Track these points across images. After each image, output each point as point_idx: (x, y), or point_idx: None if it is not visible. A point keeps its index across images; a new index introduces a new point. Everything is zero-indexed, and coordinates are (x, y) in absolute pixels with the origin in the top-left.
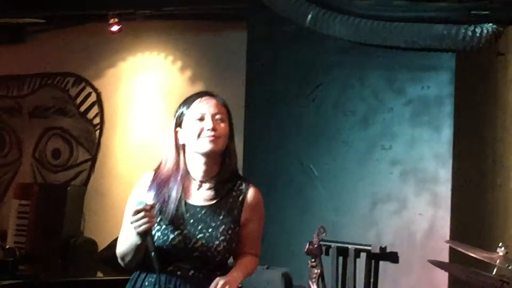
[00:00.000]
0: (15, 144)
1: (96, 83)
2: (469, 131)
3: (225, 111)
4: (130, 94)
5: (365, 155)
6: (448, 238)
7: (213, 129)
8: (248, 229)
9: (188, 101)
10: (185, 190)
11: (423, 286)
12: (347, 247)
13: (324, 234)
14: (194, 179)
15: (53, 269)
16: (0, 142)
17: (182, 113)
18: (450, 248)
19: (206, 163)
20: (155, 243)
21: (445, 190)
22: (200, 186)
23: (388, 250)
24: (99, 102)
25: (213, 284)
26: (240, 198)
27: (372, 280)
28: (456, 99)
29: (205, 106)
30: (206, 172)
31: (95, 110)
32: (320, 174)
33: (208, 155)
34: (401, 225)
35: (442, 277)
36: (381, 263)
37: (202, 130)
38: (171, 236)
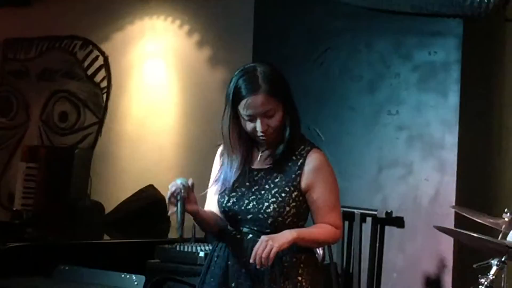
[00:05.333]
0: (23, 107)
1: (104, 47)
2: (476, 97)
3: (273, 101)
4: (138, 58)
5: (372, 120)
6: (454, 203)
7: (264, 131)
8: (314, 195)
9: (236, 94)
10: (249, 156)
11: (429, 251)
12: (353, 212)
13: None
14: (257, 147)
15: (59, 231)
16: (7, 105)
17: (232, 105)
18: (456, 213)
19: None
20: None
21: (451, 155)
22: (262, 151)
23: (394, 215)
24: (106, 65)
25: (258, 242)
26: (300, 162)
27: (377, 244)
28: (463, 65)
29: (252, 109)
30: (266, 144)
31: (102, 73)
32: (327, 138)
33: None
34: (407, 190)
35: (448, 242)
36: (387, 228)
37: (254, 130)
38: (227, 198)
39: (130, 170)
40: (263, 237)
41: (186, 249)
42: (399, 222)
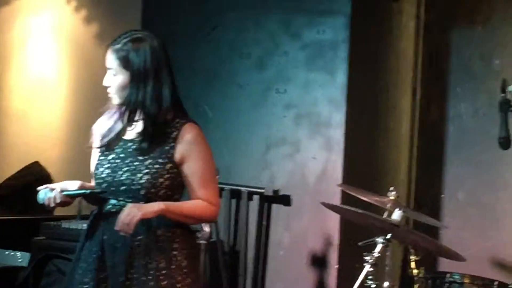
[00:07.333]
0: None
1: None
2: (363, 76)
3: (115, 64)
4: (24, 33)
5: (260, 98)
6: (340, 181)
7: (106, 85)
8: (188, 169)
9: None
10: (124, 127)
11: (315, 229)
12: (240, 190)
13: (218, 176)
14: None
15: None
16: None
17: None
18: (342, 191)
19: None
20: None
21: (338, 134)
22: (136, 122)
23: (281, 193)
24: None
25: (124, 209)
26: (174, 134)
27: (264, 222)
28: (351, 44)
29: (106, 61)
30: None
31: None
32: (215, 116)
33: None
34: (294, 168)
35: (334, 220)
36: (274, 205)
37: None
38: (101, 169)
39: (15, 146)
40: (130, 205)
41: (71, 226)
42: (286, 200)
